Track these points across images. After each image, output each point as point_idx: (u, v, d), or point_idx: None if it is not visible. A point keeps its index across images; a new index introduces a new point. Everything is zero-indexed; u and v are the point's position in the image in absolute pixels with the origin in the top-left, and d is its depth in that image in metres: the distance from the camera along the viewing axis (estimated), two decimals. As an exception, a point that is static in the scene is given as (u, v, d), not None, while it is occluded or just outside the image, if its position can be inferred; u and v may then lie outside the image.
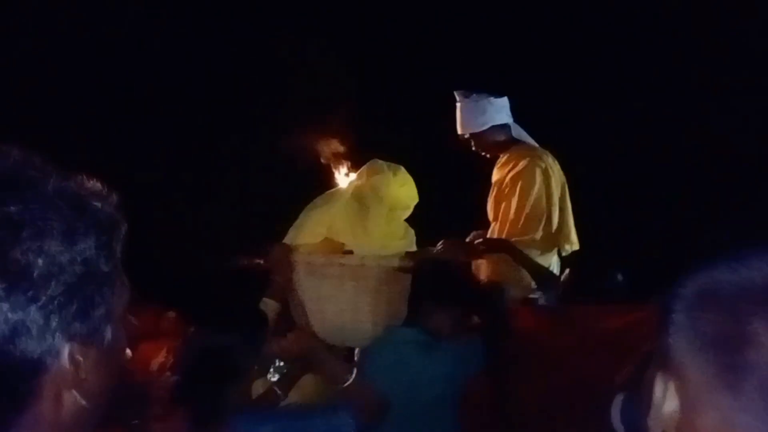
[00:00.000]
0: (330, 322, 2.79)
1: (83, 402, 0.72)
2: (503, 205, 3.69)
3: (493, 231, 3.69)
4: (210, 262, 3.65)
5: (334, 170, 3.15)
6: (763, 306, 0.71)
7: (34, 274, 0.67)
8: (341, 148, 3.13)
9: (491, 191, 3.82)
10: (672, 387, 0.75)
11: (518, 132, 3.86)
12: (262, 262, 2.97)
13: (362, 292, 2.77)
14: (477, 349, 2.70)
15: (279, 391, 2.58)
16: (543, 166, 3.70)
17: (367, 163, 3.06)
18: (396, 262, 2.82)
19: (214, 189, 5.03)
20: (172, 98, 5.04)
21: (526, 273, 3.47)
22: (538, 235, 3.60)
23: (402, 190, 3.00)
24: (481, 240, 3.52)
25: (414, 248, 2.99)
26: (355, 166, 3.11)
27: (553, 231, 3.64)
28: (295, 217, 2.96)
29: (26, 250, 0.66)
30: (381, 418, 2.48)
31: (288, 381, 2.65)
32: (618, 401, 1.91)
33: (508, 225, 3.64)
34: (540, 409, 2.58)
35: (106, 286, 0.73)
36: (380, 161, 3.04)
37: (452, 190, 4.70)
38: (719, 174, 4.64)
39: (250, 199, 4.86)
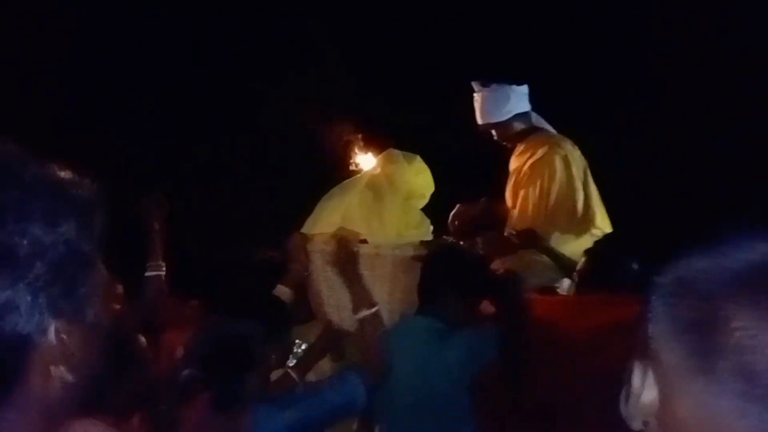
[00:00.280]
0: (346, 311, 2.82)
1: (70, 377, 0.76)
2: (522, 193, 3.68)
3: (512, 219, 3.69)
4: (231, 252, 3.71)
5: (351, 161, 3.19)
6: (737, 291, 0.72)
7: (20, 255, 0.71)
8: (359, 139, 3.16)
9: (509, 179, 3.82)
10: (651, 376, 0.77)
11: (538, 119, 3.86)
12: (280, 252, 3.03)
13: (377, 280, 2.79)
14: (492, 337, 2.70)
15: (295, 376, 2.62)
16: (562, 153, 3.69)
17: (383, 153, 3.09)
18: (411, 251, 2.84)
19: (235, 181, 5.09)
20: (188, 91, 5.12)
21: (549, 262, 3.48)
22: (564, 223, 3.60)
23: (417, 179, 3.01)
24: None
25: (430, 237, 3.01)
26: (372, 156, 3.14)
27: (579, 217, 3.64)
28: (314, 207, 3.01)
29: (11, 233, 0.70)
30: (385, 374, 2.55)
31: (304, 365, 2.70)
32: (626, 390, 1.91)
33: (530, 215, 3.63)
34: (554, 398, 2.58)
35: (87, 267, 0.76)
36: (396, 150, 3.06)
37: (468, 179, 4.70)
38: (743, 165, 4.58)
39: (272, 190, 4.91)
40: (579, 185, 3.69)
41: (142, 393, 2.20)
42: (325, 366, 2.83)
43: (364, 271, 2.77)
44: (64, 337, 0.74)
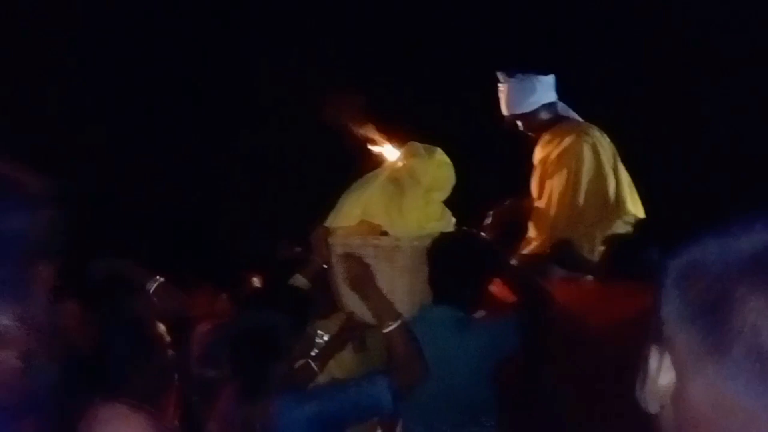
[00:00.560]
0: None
1: (19, 362, 0.81)
2: (549, 184, 3.65)
3: (539, 210, 3.66)
4: (259, 247, 3.80)
5: (375, 154, 3.22)
6: (749, 274, 0.73)
7: None
8: (382, 132, 3.18)
9: (535, 170, 3.79)
10: (667, 360, 0.77)
11: (564, 109, 3.82)
12: (305, 246, 3.10)
13: (397, 272, 2.82)
14: (512, 325, 2.72)
15: (315, 366, 2.68)
16: (591, 141, 3.65)
17: (405, 146, 3.11)
18: (431, 243, 2.87)
19: (261, 176, 5.17)
20: (211, 85, 5.21)
21: None
22: (596, 212, 3.57)
23: (439, 171, 3.02)
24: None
25: (451, 229, 3.03)
26: (393, 148, 3.17)
27: (611, 204, 3.60)
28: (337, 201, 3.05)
29: None
30: (421, 376, 2.48)
31: (324, 356, 2.76)
32: (642, 375, 1.92)
33: (557, 206, 3.59)
34: (574, 385, 2.59)
35: (36, 258, 0.82)
36: (417, 143, 3.08)
37: (490, 171, 4.69)
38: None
39: (298, 184, 4.99)
40: (609, 172, 3.64)
41: (165, 378, 2.29)
42: (346, 357, 2.89)
43: (384, 263, 2.81)
44: (13, 323, 0.80)
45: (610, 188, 3.62)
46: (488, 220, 3.60)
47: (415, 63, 5.09)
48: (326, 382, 2.73)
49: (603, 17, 4.99)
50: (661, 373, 0.78)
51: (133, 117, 5.04)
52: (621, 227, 3.51)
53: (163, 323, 2.38)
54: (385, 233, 2.91)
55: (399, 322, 2.54)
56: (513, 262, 3.33)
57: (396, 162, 3.08)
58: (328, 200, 3.09)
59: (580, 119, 3.80)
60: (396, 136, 3.17)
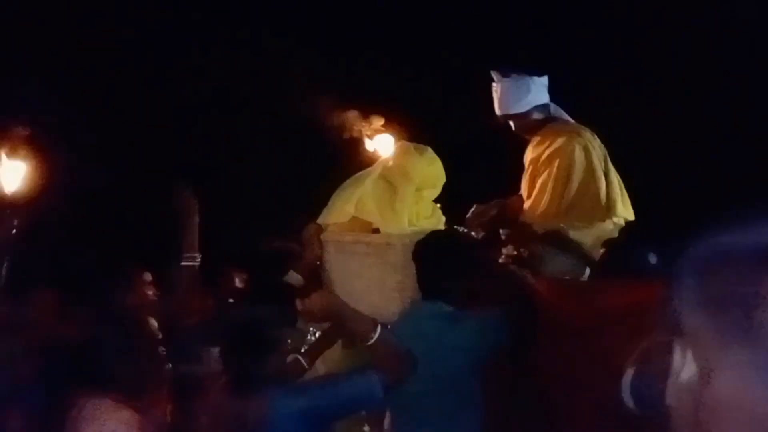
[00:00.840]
0: (358, 298, 2.89)
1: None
2: (539, 182, 3.65)
3: (527, 208, 3.67)
4: (250, 242, 3.81)
5: (367, 152, 3.24)
6: None
7: None
8: (375, 130, 3.21)
9: (526, 170, 3.79)
10: (690, 353, 0.77)
11: (556, 110, 3.83)
12: (298, 243, 3.12)
13: (389, 269, 2.86)
14: (499, 320, 2.74)
15: (304, 362, 2.69)
16: (582, 142, 3.65)
17: (396, 145, 3.14)
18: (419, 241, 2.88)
19: (253, 172, 5.19)
20: (206, 83, 5.23)
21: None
22: (585, 213, 3.58)
23: (429, 170, 3.07)
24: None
25: (442, 227, 3.06)
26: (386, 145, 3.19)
27: (602, 206, 3.61)
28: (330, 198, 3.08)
29: None
30: (408, 373, 2.50)
31: (314, 352, 2.77)
32: (628, 376, 1.94)
33: (546, 204, 3.60)
34: (560, 379, 2.61)
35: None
36: (408, 142, 3.12)
37: (481, 169, 4.71)
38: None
39: (290, 181, 5.00)
40: (600, 173, 3.65)
41: (154, 373, 2.30)
42: (335, 353, 2.90)
43: (375, 260, 2.83)
44: None
45: (600, 189, 3.62)
46: (472, 214, 3.60)
47: (409, 62, 5.10)
48: (316, 377, 2.74)
49: (595, 17, 5.01)
50: (685, 366, 0.78)
51: (117, 110, 5.05)
52: (611, 229, 3.52)
53: (152, 318, 2.40)
54: (376, 230, 2.94)
55: (378, 330, 2.51)
56: (500, 258, 3.34)
57: (387, 160, 3.11)
58: (318, 197, 3.12)
59: (572, 120, 3.81)
60: (387, 134, 3.19)
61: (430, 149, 3.09)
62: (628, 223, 3.59)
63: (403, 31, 5.15)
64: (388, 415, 2.84)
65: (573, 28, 5.09)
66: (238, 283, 3.33)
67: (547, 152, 3.68)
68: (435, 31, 5.19)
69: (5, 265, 2.95)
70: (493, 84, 3.79)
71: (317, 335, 2.99)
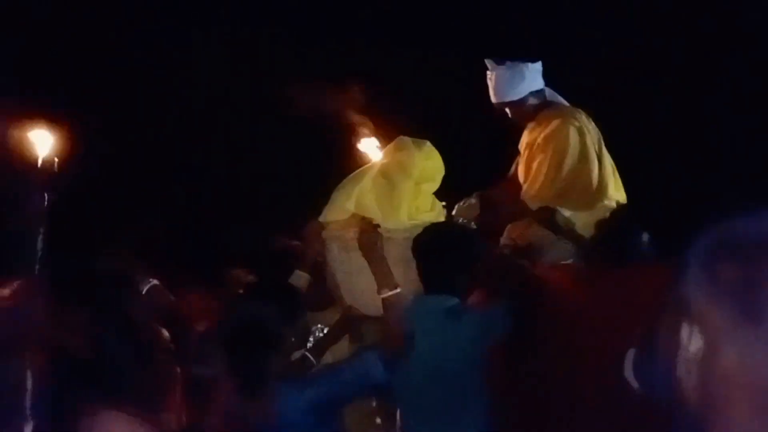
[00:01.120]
0: (361, 294, 2.93)
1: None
2: (535, 164, 3.67)
3: (525, 192, 3.70)
4: (253, 240, 3.84)
5: (366, 149, 3.26)
6: None
7: None
8: (372, 129, 3.22)
9: (522, 154, 3.82)
10: (696, 329, 0.82)
11: (551, 94, 3.84)
12: (298, 240, 3.16)
13: (390, 263, 2.87)
14: (503, 313, 2.77)
15: (312, 358, 2.74)
16: (576, 124, 3.68)
17: (394, 140, 3.16)
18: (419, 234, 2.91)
19: (254, 171, 5.20)
20: (205, 82, 5.24)
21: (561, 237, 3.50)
22: (578, 195, 3.61)
23: (428, 163, 3.09)
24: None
25: (442, 220, 3.08)
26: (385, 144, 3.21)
27: (594, 188, 3.64)
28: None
29: None
30: (404, 348, 2.63)
31: (321, 348, 2.82)
32: (630, 355, 1.98)
33: (541, 185, 3.62)
34: (563, 370, 2.65)
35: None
36: (406, 138, 3.14)
37: (479, 161, 4.73)
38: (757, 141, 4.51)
39: (291, 180, 5.02)
40: (593, 156, 3.68)
41: (166, 381, 2.33)
42: (343, 348, 2.94)
43: (379, 255, 2.85)
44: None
45: (593, 172, 3.65)
46: (465, 203, 3.62)
47: (406, 53, 5.10)
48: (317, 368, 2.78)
49: (593, 10, 5.00)
50: (692, 341, 0.83)
51: (118, 112, 5.06)
52: (602, 211, 3.55)
53: (161, 325, 2.42)
54: (377, 226, 2.96)
55: (397, 290, 2.70)
56: (502, 249, 3.37)
57: (386, 156, 3.13)
58: (319, 195, 3.15)
59: (567, 104, 3.82)
60: (385, 131, 3.21)
61: (428, 143, 3.10)
62: (620, 205, 3.63)
63: (403, 29, 5.15)
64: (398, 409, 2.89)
65: (573, 28, 5.08)
66: (243, 283, 3.36)
67: (542, 136, 3.71)
68: (433, 25, 5.19)
69: (40, 237, 2.90)
70: (488, 72, 3.81)
71: (324, 331, 3.04)
